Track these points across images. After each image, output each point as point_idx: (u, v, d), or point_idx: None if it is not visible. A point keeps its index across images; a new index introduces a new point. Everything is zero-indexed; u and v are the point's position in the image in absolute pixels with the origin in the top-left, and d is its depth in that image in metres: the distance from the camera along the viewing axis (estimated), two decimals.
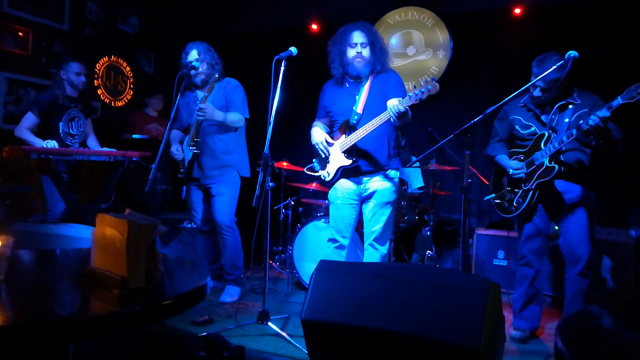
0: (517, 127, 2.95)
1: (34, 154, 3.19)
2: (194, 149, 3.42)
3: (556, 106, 2.81)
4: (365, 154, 2.90)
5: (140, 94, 5.45)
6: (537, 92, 2.79)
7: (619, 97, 2.42)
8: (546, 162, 2.73)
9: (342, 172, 2.95)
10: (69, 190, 3.52)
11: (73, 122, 3.80)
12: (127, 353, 1.80)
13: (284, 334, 2.81)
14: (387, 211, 2.95)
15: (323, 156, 3.00)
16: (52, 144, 3.52)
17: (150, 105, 5.12)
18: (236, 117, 3.46)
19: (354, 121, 2.89)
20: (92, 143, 3.97)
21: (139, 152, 3.71)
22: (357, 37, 2.92)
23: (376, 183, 2.93)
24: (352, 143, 2.87)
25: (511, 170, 2.87)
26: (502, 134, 3.06)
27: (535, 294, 2.96)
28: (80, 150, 3.67)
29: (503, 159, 2.98)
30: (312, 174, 3.11)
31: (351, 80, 2.99)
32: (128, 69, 5.68)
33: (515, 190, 2.88)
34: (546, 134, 2.78)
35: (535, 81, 2.65)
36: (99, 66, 5.30)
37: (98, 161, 3.54)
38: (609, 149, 2.67)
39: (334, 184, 3.01)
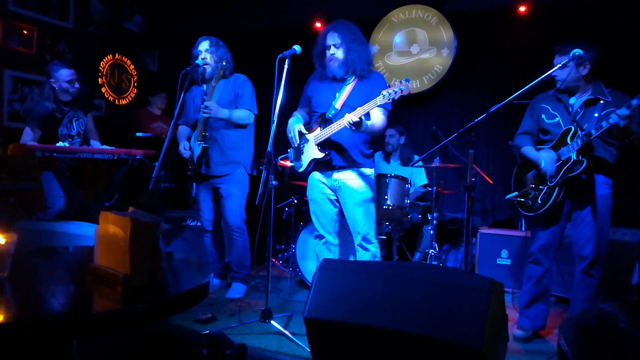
0: (542, 116, 2.88)
1: (39, 151, 3.20)
2: (202, 144, 3.41)
3: (582, 100, 2.75)
4: (338, 148, 2.93)
5: (144, 93, 5.46)
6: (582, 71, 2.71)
7: None
8: (573, 156, 2.65)
9: (315, 165, 2.98)
10: (73, 187, 3.52)
11: (72, 124, 3.77)
12: (129, 351, 1.80)
13: (286, 332, 2.81)
14: (365, 209, 2.96)
15: (295, 146, 3.03)
16: (61, 144, 3.52)
17: (154, 103, 5.13)
18: (243, 114, 3.45)
19: (330, 115, 2.91)
20: (92, 136, 3.92)
21: (143, 150, 3.71)
22: (330, 38, 2.90)
23: (349, 181, 2.95)
24: (326, 137, 2.89)
25: (544, 163, 2.78)
26: (529, 124, 2.99)
27: (542, 293, 2.92)
28: (85, 148, 3.67)
29: (530, 150, 2.90)
30: (286, 163, 3.15)
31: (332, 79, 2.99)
32: (132, 67, 5.69)
33: (540, 187, 2.82)
34: (572, 128, 2.70)
35: (541, 78, 2.61)
36: (103, 64, 5.32)
37: (102, 159, 3.54)
38: (634, 149, 2.62)
39: (307, 175, 3.07)
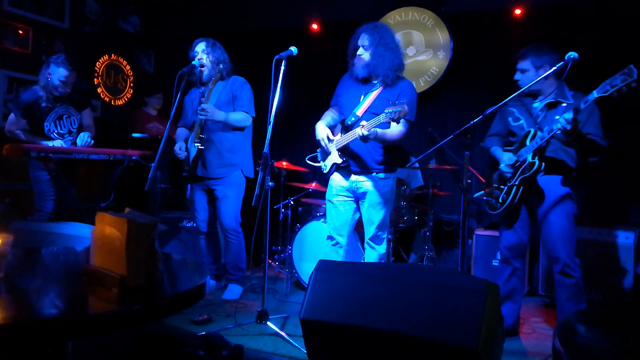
0: (509, 119, 2.96)
1: (34, 152, 3.18)
2: (198, 145, 3.39)
3: (544, 103, 2.82)
4: (355, 155, 2.96)
5: (140, 93, 5.45)
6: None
7: (594, 91, 2.40)
8: (529, 158, 2.72)
9: (336, 168, 3.04)
10: (65, 185, 3.49)
11: (61, 121, 3.69)
12: (125, 352, 1.80)
13: (282, 333, 2.81)
14: (380, 212, 2.98)
15: (325, 150, 3.06)
16: (58, 143, 3.49)
17: (150, 104, 5.12)
18: (240, 117, 3.44)
19: (349, 122, 2.93)
20: (83, 136, 3.70)
21: (139, 151, 3.70)
22: (361, 39, 2.92)
23: (366, 183, 2.97)
24: (344, 144, 2.93)
25: (503, 164, 2.87)
26: (498, 127, 3.07)
27: (511, 292, 2.98)
28: (80, 148, 3.65)
29: (498, 150, 2.99)
30: (313, 163, 3.17)
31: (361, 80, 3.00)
32: (128, 67, 5.67)
33: (502, 187, 2.89)
34: (532, 130, 2.78)
35: (536, 81, 2.62)
36: (99, 65, 5.30)
37: (98, 159, 3.52)
38: (585, 154, 2.70)
39: (329, 176, 3.11)
